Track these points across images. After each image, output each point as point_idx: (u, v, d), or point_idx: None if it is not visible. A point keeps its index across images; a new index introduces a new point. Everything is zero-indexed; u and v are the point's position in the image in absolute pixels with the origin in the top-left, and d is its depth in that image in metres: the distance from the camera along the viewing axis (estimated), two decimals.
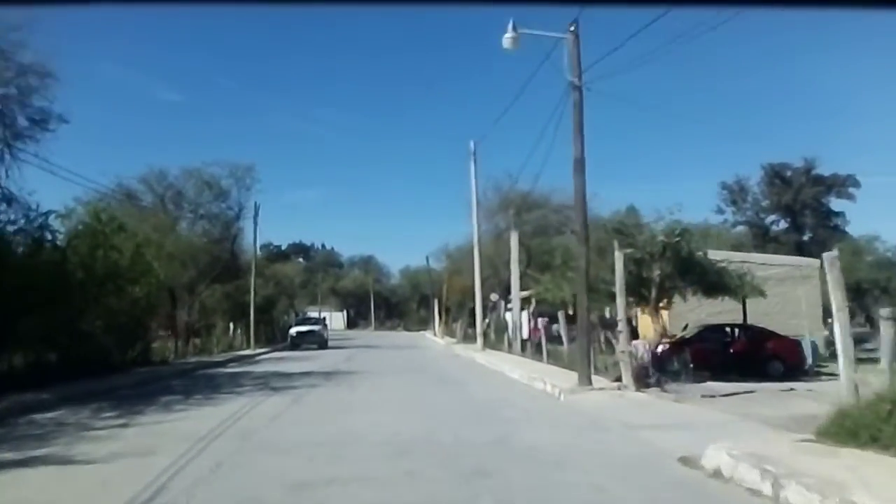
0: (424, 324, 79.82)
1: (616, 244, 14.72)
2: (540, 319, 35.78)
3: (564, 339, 19.46)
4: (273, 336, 44.86)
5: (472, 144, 29.01)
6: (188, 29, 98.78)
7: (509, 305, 29.79)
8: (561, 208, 31.72)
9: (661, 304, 18.73)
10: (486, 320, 35.64)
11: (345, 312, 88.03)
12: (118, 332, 22.20)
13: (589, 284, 18.19)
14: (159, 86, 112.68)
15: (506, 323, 30.10)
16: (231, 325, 36.54)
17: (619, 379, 14.22)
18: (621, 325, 14.07)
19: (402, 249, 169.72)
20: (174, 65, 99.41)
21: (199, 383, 18.25)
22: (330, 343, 44.92)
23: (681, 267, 18.24)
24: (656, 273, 17.73)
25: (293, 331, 39.10)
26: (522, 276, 31.34)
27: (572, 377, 15.38)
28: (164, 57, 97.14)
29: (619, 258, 14.27)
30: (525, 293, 28.59)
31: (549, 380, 14.98)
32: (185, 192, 36.93)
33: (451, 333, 51.27)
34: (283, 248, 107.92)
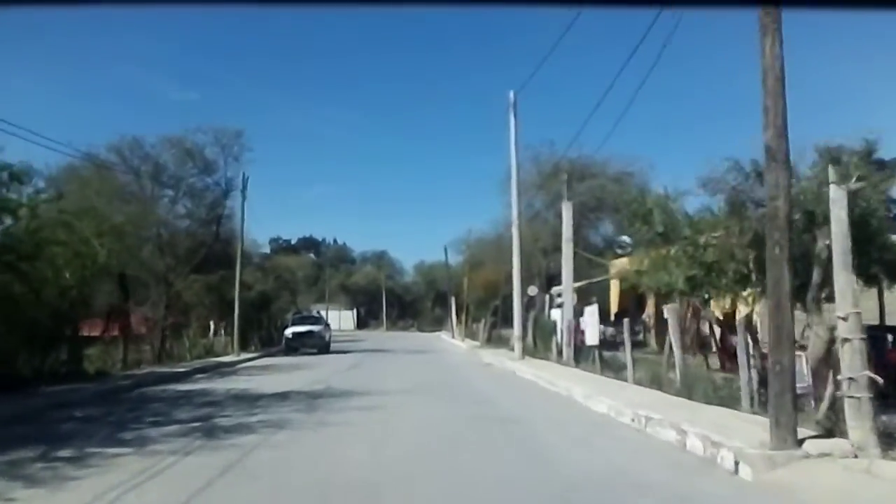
0: (440, 324, 73.20)
1: (831, 171, 8.07)
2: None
3: (676, 348, 12.76)
4: (270, 337, 38.34)
5: (511, 95, 22.32)
6: (197, 28, 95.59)
7: (559, 299, 22.96)
8: (621, 177, 24.91)
9: (823, 294, 11.94)
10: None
11: (354, 311, 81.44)
12: (28, 334, 15.73)
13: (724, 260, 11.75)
14: (170, 85, 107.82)
15: (553, 324, 23.39)
16: (213, 325, 30.03)
17: (831, 432, 7.51)
18: (848, 328, 7.27)
19: (416, 245, 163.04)
20: (185, 64, 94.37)
21: (109, 416, 11.62)
22: (334, 345, 38.42)
23: (855, 235, 11.49)
24: (823, 244, 10.94)
25: (288, 332, 32.54)
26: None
27: (722, 420, 8.70)
28: (174, 56, 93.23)
29: (839, 199, 7.61)
30: (579, 283, 21.84)
31: (691, 428, 8.23)
32: (165, 164, 30.44)
33: (472, 335, 44.59)
34: (293, 242, 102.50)
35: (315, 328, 32.48)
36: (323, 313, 66.70)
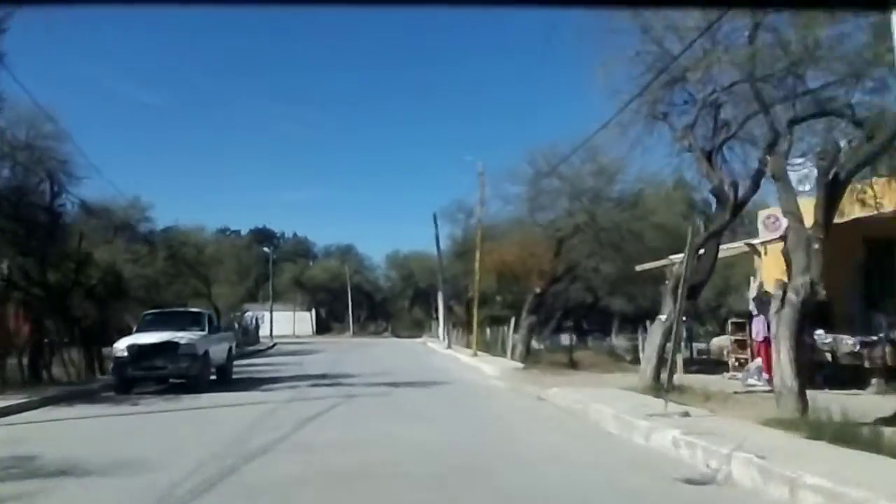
0: (419, 327, 55.12)
1: None
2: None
3: None
4: None
5: None
6: (166, 29, 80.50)
7: None
8: None
9: None
10: (674, 320, 11.27)
11: (313, 312, 62.73)
12: None
13: None
14: (138, 88, 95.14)
15: None
16: None
17: None
18: None
19: (387, 242, 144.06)
20: (151, 66, 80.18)
21: None
22: (258, 367, 20.61)
23: None
24: None
25: (120, 346, 13.98)
26: None
27: None
28: (141, 58, 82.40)
29: None
30: None
31: None
32: None
33: (484, 346, 26.62)
34: (243, 233, 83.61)
35: (180, 337, 14.00)
36: (266, 314, 48.37)
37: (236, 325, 35.82)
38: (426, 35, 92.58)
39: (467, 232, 35.40)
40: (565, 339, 32.82)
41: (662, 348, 10.87)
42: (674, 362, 8.54)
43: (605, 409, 9.44)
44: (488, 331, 28.48)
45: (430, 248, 45.96)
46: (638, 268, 17.54)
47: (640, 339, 22.20)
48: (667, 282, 11.76)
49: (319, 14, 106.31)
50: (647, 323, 17.54)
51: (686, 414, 8.43)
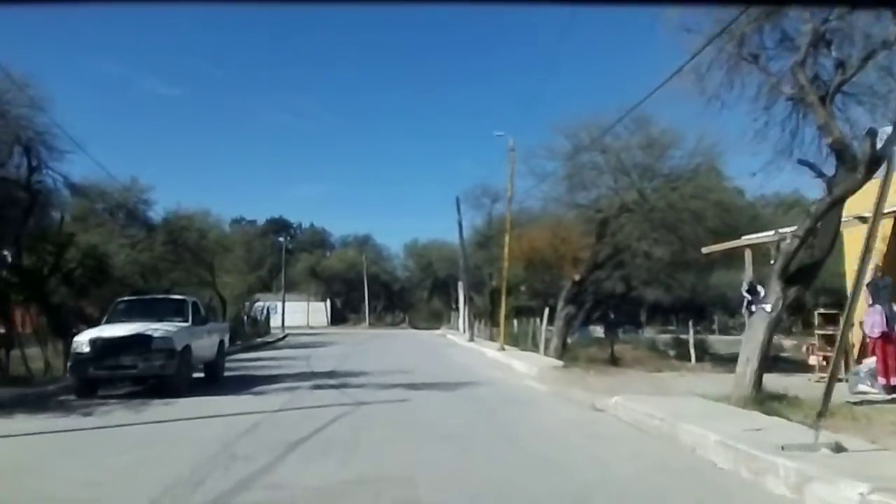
0: (437, 319, 52.66)
1: None
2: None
3: None
4: None
5: None
6: (177, 23, 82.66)
7: None
8: None
9: None
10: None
11: (328, 302, 60.31)
12: None
13: None
14: (151, 80, 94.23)
15: None
16: None
17: None
18: None
19: (405, 233, 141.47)
20: (165, 59, 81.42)
21: None
22: (259, 360, 18.17)
23: None
24: None
25: (81, 340, 11.50)
26: None
27: None
28: (154, 51, 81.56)
29: None
30: None
31: None
32: None
33: (511, 339, 23.93)
34: (259, 223, 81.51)
35: (154, 329, 11.48)
36: (278, 305, 46.02)
37: (245, 317, 33.41)
38: (442, 25, 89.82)
39: (492, 218, 32.78)
40: (595, 331, 30.15)
41: (767, 347, 8.16)
42: (836, 367, 5.82)
43: (703, 431, 6.70)
44: (515, 322, 25.80)
45: (449, 237, 43.51)
46: (705, 250, 14.78)
47: (689, 332, 19.60)
48: (771, 262, 9.00)
49: (334, 10, 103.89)
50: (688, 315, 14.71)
51: (839, 447, 5.70)
